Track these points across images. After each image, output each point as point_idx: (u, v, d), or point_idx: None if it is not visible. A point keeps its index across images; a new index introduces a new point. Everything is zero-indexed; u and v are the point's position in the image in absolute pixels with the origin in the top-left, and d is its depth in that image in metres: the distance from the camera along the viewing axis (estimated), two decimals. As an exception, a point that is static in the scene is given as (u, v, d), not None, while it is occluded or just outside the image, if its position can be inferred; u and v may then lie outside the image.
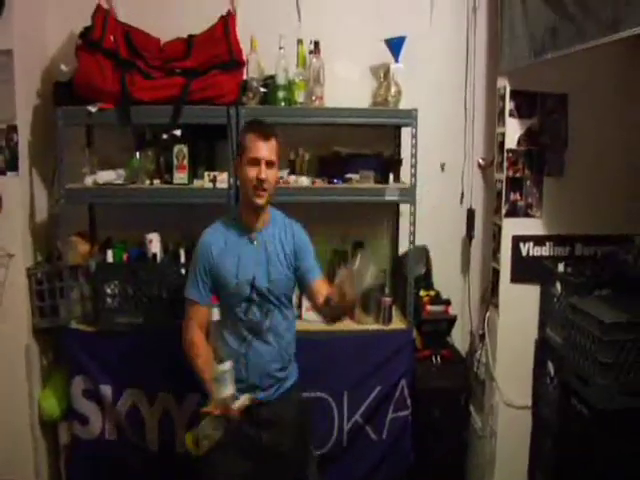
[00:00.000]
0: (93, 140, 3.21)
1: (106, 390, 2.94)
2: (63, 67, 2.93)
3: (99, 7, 2.93)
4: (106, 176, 2.92)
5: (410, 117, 2.91)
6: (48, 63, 3.12)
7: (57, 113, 2.85)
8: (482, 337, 3.26)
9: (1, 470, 3.04)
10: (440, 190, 3.36)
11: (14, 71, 2.86)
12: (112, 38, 2.85)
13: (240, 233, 2.29)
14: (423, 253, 3.27)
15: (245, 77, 2.98)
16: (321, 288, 2.29)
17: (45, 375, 3.16)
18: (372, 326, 3.04)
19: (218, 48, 2.91)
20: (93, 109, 2.82)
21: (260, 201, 2.21)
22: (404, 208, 3.15)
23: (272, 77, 3.00)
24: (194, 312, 2.30)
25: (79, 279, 3.03)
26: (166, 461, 2.96)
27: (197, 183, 2.95)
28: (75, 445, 3.05)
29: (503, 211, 3.05)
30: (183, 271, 2.94)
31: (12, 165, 2.92)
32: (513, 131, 3.01)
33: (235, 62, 2.90)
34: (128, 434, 2.98)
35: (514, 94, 2.99)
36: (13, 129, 2.90)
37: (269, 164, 2.19)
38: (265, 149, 2.19)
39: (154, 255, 2.98)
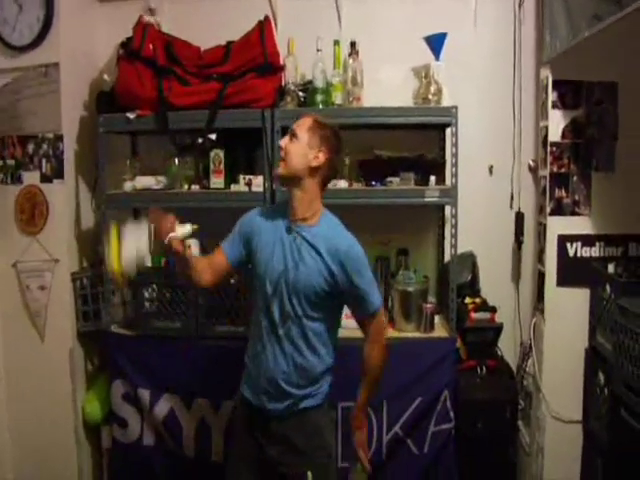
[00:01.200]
0: (138, 149, 3.29)
1: (144, 394, 2.97)
2: (106, 77, 3.04)
3: (140, 18, 3.02)
4: (145, 181, 2.98)
5: (450, 115, 2.79)
6: (96, 75, 3.22)
7: (98, 120, 2.95)
8: (531, 347, 3.07)
9: (46, 472, 3.14)
10: (488, 194, 3.22)
11: (60, 83, 2.97)
12: (151, 47, 2.93)
13: (282, 219, 2.19)
14: (469, 259, 3.12)
15: (283, 82, 2.97)
16: (366, 326, 2.24)
17: (90, 379, 3.23)
18: (413, 334, 2.92)
19: (253, 52, 2.92)
20: (132, 116, 2.89)
21: (277, 170, 2.17)
22: (449, 213, 3.03)
23: (311, 82, 2.98)
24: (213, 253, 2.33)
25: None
26: (202, 469, 2.93)
27: (234, 187, 2.95)
28: (115, 448, 3.08)
29: (548, 209, 2.87)
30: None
31: (58, 173, 3.03)
32: (557, 123, 2.84)
33: (270, 65, 2.90)
34: (165, 440, 2.99)
35: (557, 84, 2.82)
36: (59, 138, 3.02)
37: (292, 135, 2.12)
38: (294, 124, 2.17)
39: (192, 260, 2.99)
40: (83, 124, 3.16)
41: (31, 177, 3.05)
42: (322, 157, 2.12)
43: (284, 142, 2.13)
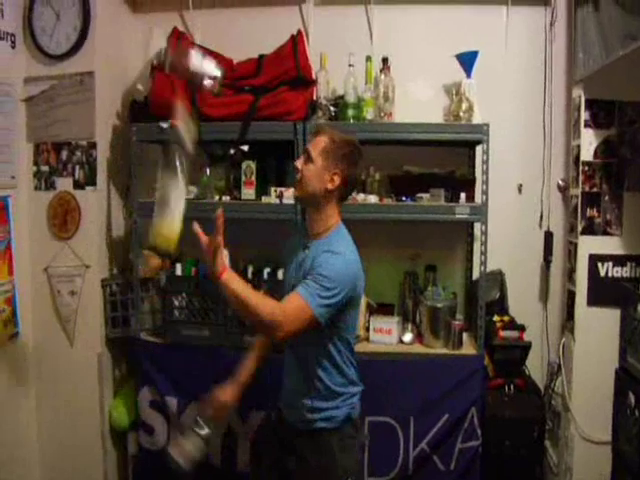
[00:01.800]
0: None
1: (171, 402, 3.00)
2: (140, 86, 3.07)
3: (174, 30, 3.07)
4: (177, 191, 2.99)
5: (481, 132, 2.79)
6: (128, 84, 3.26)
7: (131, 129, 2.98)
8: (560, 366, 3.05)
9: (72, 477, 3.15)
10: (517, 212, 3.23)
11: (95, 92, 3.01)
12: (185, 58, 2.95)
13: (302, 237, 2.20)
14: (498, 277, 3.12)
15: (315, 97, 2.99)
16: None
17: (117, 385, 3.26)
18: (441, 350, 2.92)
19: (286, 65, 2.95)
20: (165, 125, 2.91)
21: (294, 192, 2.16)
22: (478, 231, 3.03)
23: (342, 97, 3.01)
24: None
25: (150, 291, 3.12)
26: (228, 478, 2.96)
27: (265, 199, 2.96)
28: (141, 455, 3.11)
29: (579, 228, 2.87)
30: (249, 287, 2.97)
31: (91, 180, 3.06)
32: (589, 142, 2.84)
33: (302, 79, 2.92)
34: (191, 448, 3.00)
35: (590, 103, 2.83)
36: (93, 146, 3.05)
37: (307, 157, 2.08)
38: (310, 142, 2.16)
39: (222, 271, 3.01)
40: (115, 132, 3.20)
41: (64, 183, 3.08)
42: (338, 179, 2.07)
43: (299, 163, 2.09)
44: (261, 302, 1.89)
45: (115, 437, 3.22)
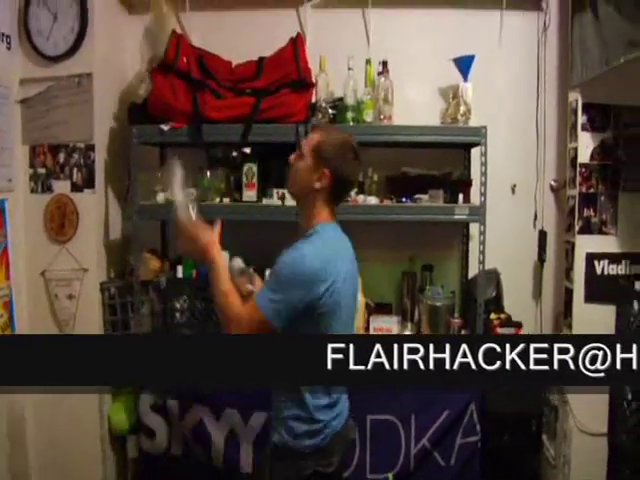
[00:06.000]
0: (166, 161, 3.30)
1: (173, 404, 2.97)
2: (140, 89, 3.05)
3: (174, 32, 3.07)
4: (177, 193, 2.99)
5: (479, 135, 2.87)
6: (125, 86, 3.25)
7: (132, 131, 2.97)
8: (555, 362, 3.13)
9: (71, 483, 3.12)
10: (511, 212, 3.30)
11: (93, 93, 2.98)
12: (185, 60, 2.97)
13: None
14: (494, 276, 3.18)
15: (314, 99, 3.03)
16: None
17: (116, 389, 3.20)
18: (440, 348, 2.97)
19: (287, 68, 2.98)
20: (166, 127, 2.92)
21: (287, 188, 2.25)
22: (474, 231, 3.10)
23: (341, 99, 3.05)
24: None
25: (150, 294, 3.10)
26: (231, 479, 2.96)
27: (267, 201, 2.98)
28: (142, 459, 3.09)
29: (576, 228, 2.95)
30: (251, 288, 2.99)
31: (89, 183, 3.04)
32: (585, 145, 2.93)
33: (304, 82, 2.96)
34: (194, 450, 2.99)
35: (586, 107, 2.92)
36: (91, 148, 3.02)
37: (300, 153, 2.01)
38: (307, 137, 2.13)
39: (223, 272, 3.02)
40: (112, 134, 3.18)
41: (61, 186, 3.05)
42: (326, 179, 1.95)
43: (292, 157, 2.04)
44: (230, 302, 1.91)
45: (114, 441, 3.19)
